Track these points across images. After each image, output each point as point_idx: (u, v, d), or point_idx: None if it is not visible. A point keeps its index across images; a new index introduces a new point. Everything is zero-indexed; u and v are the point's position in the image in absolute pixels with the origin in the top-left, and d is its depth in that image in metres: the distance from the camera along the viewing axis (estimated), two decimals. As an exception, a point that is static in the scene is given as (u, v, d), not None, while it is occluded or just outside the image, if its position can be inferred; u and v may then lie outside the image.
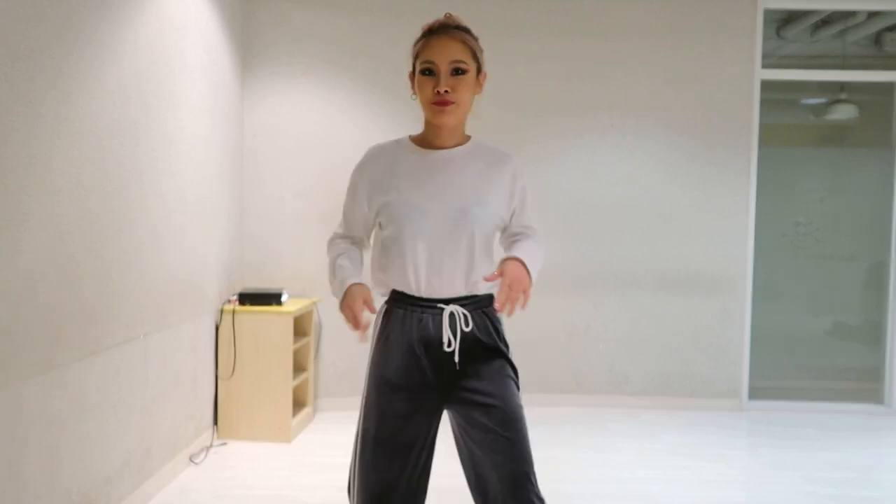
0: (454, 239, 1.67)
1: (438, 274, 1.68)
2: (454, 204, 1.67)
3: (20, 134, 2.07)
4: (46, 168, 2.20)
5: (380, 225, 1.75)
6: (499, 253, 1.78)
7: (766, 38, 4.50)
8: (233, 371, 3.71)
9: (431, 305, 1.69)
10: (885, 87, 4.70)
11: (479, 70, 1.71)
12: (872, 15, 4.54)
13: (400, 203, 1.68)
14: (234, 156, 4.04)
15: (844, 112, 4.71)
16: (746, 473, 3.47)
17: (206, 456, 3.50)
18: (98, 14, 2.48)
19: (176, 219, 3.18)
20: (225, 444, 3.70)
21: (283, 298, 3.84)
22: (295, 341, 3.86)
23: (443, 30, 1.67)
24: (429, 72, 1.64)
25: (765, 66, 4.50)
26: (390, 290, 1.76)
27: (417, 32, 1.71)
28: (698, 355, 4.55)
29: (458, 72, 1.64)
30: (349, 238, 1.86)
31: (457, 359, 1.67)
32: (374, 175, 1.73)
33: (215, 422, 3.74)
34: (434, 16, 1.80)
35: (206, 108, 3.54)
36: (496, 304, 1.56)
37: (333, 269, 1.79)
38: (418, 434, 1.68)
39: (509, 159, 1.77)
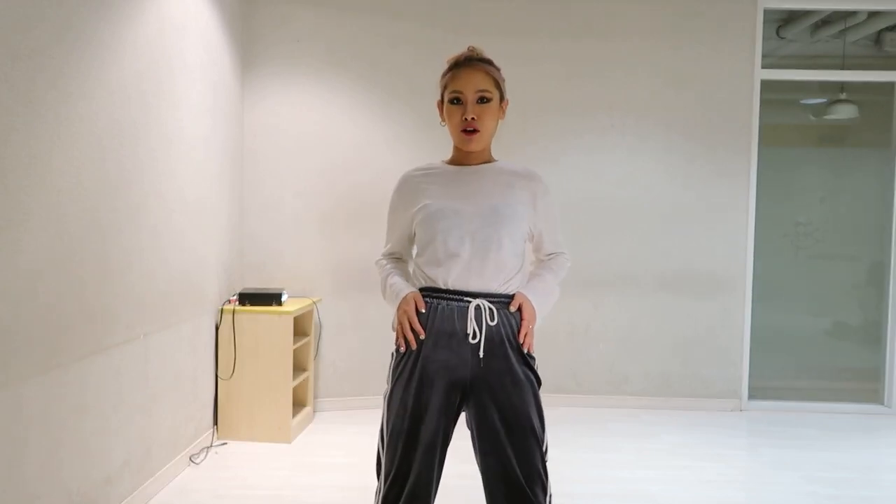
0: (485, 234, 1.78)
1: (468, 268, 1.77)
2: (484, 204, 1.80)
3: (20, 134, 2.07)
4: (46, 168, 2.20)
5: (416, 233, 1.87)
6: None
7: (766, 38, 4.50)
8: (233, 371, 3.71)
9: (458, 298, 1.77)
10: (885, 87, 4.70)
11: (501, 98, 1.85)
12: (872, 15, 4.54)
13: (434, 204, 1.81)
14: (234, 156, 4.04)
15: (844, 112, 4.71)
16: (746, 473, 3.47)
17: (206, 456, 3.50)
18: (98, 14, 2.48)
19: (176, 219, 3.18)
20: (225, 444, 3.70)
21: (283, 298, 3.84)
22: (295, 341, 3.86)
23: (468, 62, 1.81)
24: (457, 101, 1.80)
25: (765, 66, 4.50)
26: (421, 286, 1.86)
27: (444, 66, 1.86)
28: (698, 355, 4.56)
29: (483, 100, 1.79)
30: (393, 256, 2.00)
31: (481, 354, 1.74)
32: (409, 188, 1.88)
33: (215, 422, 3.74)
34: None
35: (206, 108, 3.54)
36: (520, 340, 1.78)
37: (385, 285, 1.91)
38: (438, 427, 1.76)
39: (535, 176, 1.90)
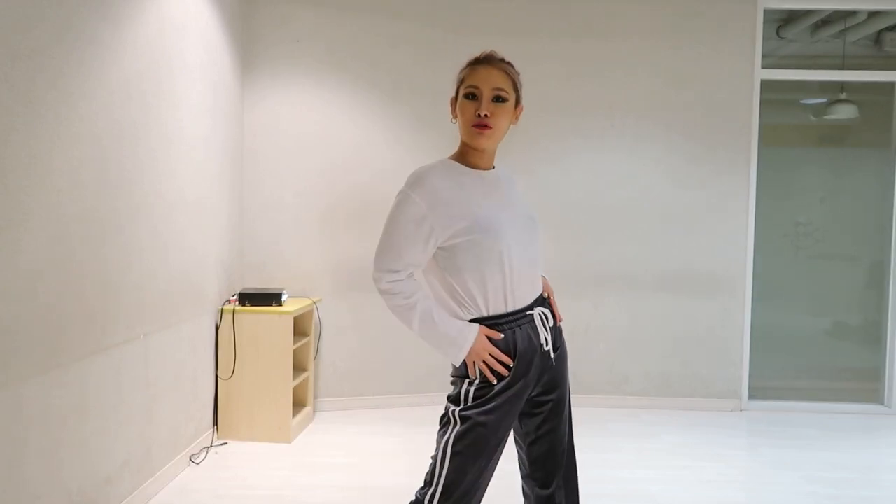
0: (532, 244, 1.80)
1: (526, 281, 1.78)
2: (522, 213, 1.81)
3: (20, 134, 2.07)
4: (46, 168, 2.20)
5: (450, 249, 1.71)
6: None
7: (766, 38, 4.50)
8: (233, 371, 3.71)
9: (522, 315, 1.77)
10: (885, 87, 4.70)
11: (517, 101, 1.81)
12: (872, 15, 4.54)
13: (486, 217, 1.70)
14: (234, 156, 4.04)
15: (844, 112, 4.71)
16: (746, 473, 3.47)
17: (206, 456, 3.50)
18: (98, 14, 2.48)
19: (176, 219, 3.18)
20: (225, 444, 3.70)
21: (283, 298, 3.84)
22: (295, 341, 3.86)
23: (488, 60, 1.77)
24: (472, 96, 1.73)
25: (765, 66, 4.50)
26: (474, 316, 1.75)
27: (463, 63, 1.81)
28: (698, 355, 4.56)
29: (498, 99, 1.73)
30: (409, 274, 1.74)
31: (552, 354, 1.81)
32: (443, 197, 1.69)
33: (215, 422, 3.74)
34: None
35: (206, 108, 3.54)
36: (559, 316, 1.90)
37: (432, 322, 1.71)
38: (511, 431, 1.81)
39: (514, 176, 1.98)
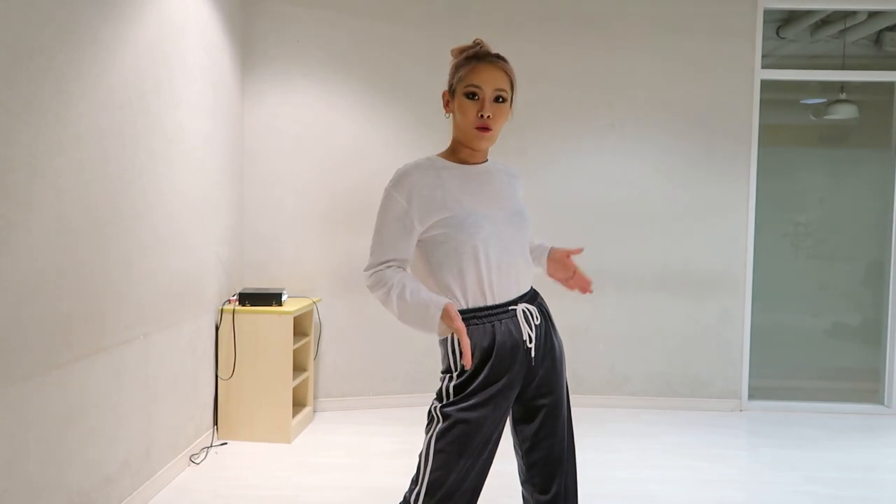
0: (516, 240, 1.79)
1: (507, 276, 1.77)
2: (508, 208, 1.80)
3: (21, 134, 2.07)
4: (47, 168, 2.20)
5: (429, 241, 1.74)
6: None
7: (766, 38, 4.50)
8: (233, 371, 3.71)
9: (504, 310, 1.76)
10: (885, 87, 4.70)
11: (513, 99, 1.82)
12: (872, 15, 4.54)
13: (465, 212, 1.72)
14: (234, 156, 4.04)
15: (844, 112, 4.71)
16: (746, 473, 3.47)
17: (206, 456, 3.50)
18: (99, 15, 2.48)
19: (176, 219, 3.18)
20: (225, 444, 3.70)
21: (283, 298, 3.84)
22: (295, 341, 3.86)
23: (488, 58, 1.75)
24: (473, 95, 1.72)
25: (765, 66, 4.50)
26: (461, 307, 1.75)
27: (450, 56, 1.79)
28: (698, 355, 4.56)
29: (499, 99, 1.74)
30: (395, 264, 1.75)
31: (533, 353, 1.77)
32: (422, 191, 1.73)
33: (215, 422, 3.74)
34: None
35: (206, 108, 3.54)
36: (590, 289, 1.95)
37: (406, 295, 1.68)
38: (498, 432, 1.77)
39: (519, 174, 1.96)
